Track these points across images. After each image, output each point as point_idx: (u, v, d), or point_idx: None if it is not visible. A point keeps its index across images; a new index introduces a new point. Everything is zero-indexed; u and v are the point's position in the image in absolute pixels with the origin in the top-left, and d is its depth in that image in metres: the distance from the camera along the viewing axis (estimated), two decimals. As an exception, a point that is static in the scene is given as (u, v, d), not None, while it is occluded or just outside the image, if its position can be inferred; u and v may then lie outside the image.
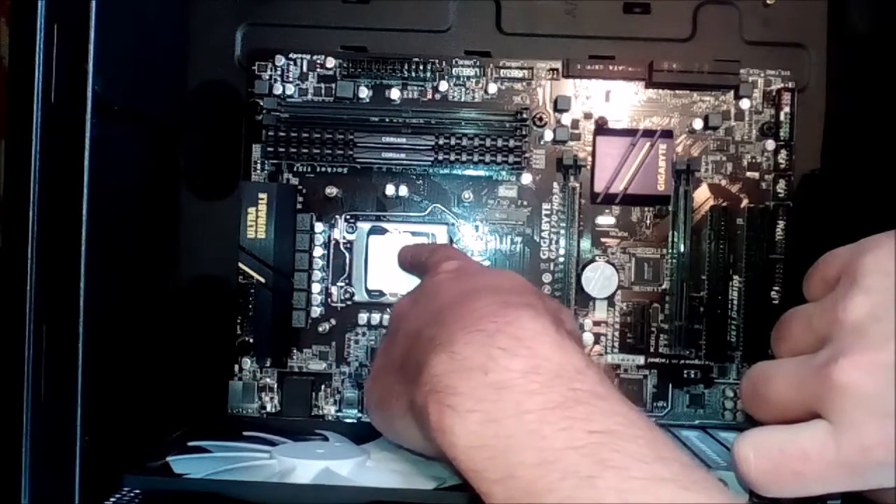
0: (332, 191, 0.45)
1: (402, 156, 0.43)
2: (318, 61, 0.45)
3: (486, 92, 0.45)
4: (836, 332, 0.28)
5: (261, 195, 0.42)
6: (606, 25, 0.46)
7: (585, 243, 0.45)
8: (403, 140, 0.42)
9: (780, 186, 0.44)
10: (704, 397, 0.45)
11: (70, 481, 0.33)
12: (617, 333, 0.45)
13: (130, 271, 0.40)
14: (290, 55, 0.45)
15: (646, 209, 0.45)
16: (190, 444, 0.38)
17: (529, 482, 0.24)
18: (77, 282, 0.34)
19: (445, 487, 0.34)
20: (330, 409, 0.45)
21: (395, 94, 0.44)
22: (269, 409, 0.45)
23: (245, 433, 0.40)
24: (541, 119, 0.45)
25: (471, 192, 0.45)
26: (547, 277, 0.45)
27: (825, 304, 0.30)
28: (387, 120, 0.43)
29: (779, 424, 0.29)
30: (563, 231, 0.45)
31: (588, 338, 0.44)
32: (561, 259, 0.45)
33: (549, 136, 0.45)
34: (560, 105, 0.44)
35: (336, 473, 0.35)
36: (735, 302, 0.44)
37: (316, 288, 0.44)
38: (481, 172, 0.45)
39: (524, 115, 0.43)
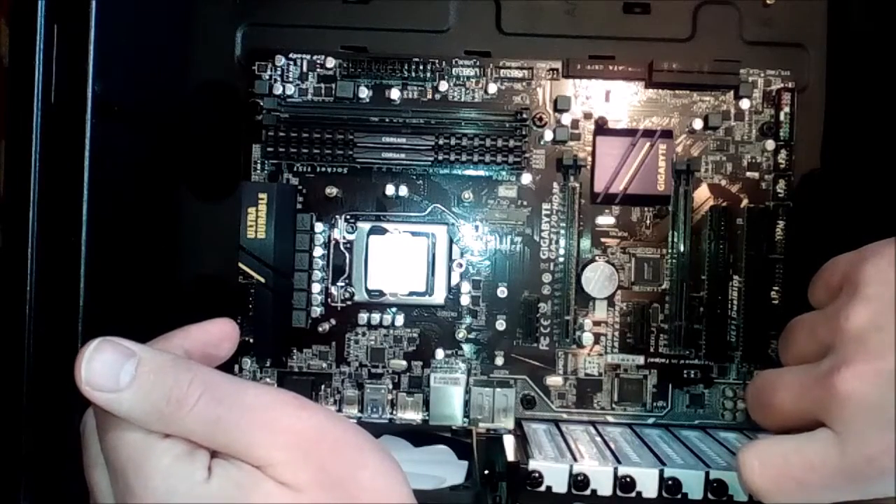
0: (332, 191, 0.45)
1: (402, 156, 0.43)
2: (318, 61, 0.45)
3: (486, 92, 0.45)
4: (838, 341, 0.29)
5: (261, 195, 0.42)
6: (606, 25, 0.46)
7: (585, 243, 0.45)
8: (403, 140, 0.42)
9: (780, 186, 0.44)
10: (704, 397, 0.45)
11: (69, 484, 0.33)
12: (617, 333, 0.45)
13: (130, 271, 0.40)
14: (290, 55, 0.45)
15: (646, 209, 0.45)
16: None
17: None
18: (77, 281, 0.34)
19: (446, 487, 0.34)
20: (330, 410, 0.45)
21: (395, 94, 0.44)
22: (269, 409, 0.45)
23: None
24: (541, 119, 0.45)
25: (471, 192, 0.45)
26: (547, 277, 0.45)
27: (828, 312, 0.30)
28: (387, 120, 0.43)
29: (783, 433, 0.29)
30: (563, 231, 0.45)
31: (588, 338, 0.44)
32: (561, 259, 0.45)
33: (549, 136, 0.45)
34: (560, 105, 0.44)
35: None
36: (735, 302, 0.44)
37: (316, 288, 0.44)
38: (481, 172, 0.45)
39: (524, 115, 0.43)
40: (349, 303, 0.45)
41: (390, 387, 0.45)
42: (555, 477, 0.36)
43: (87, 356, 0.25)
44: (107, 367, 0.25)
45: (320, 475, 0.25)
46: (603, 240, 0.45)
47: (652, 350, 0.45)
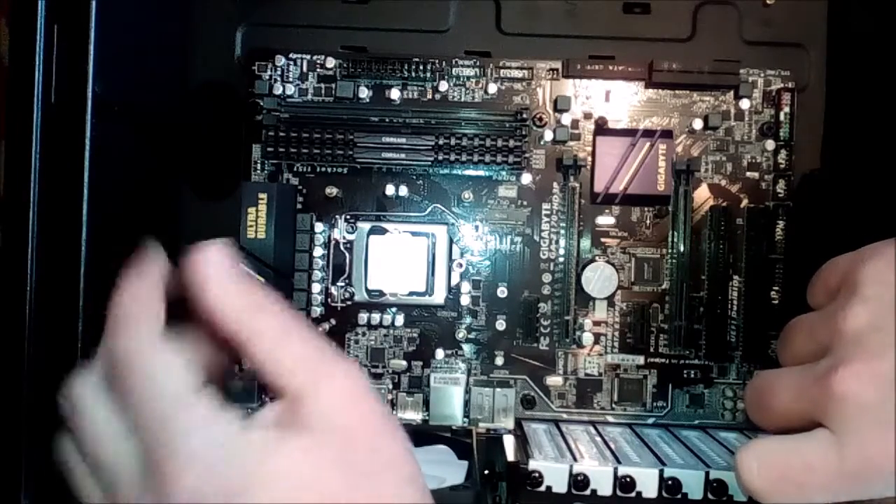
0: (332, 191, 0.45)
1: (402, 156, 0.43)
2: (318, 61, 0.45)
3: (486, 92, 0.45)
4: (836, 342, 0.29)
5: (261, 195, 0.42)
6: (606, 25, 0.46)
7: (585, 243, 0.45)
8: (403, 140, 0.42)
9: (780, 186, 0.44)
10: (704, 397, 0.45)
11: (69, 484, 0.33)
12: (617, 333, 0.45)
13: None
14: (290, 55, 0.45)
15: (646, 209, 0.45)
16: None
17: None
18: (77, 282, 0.34)
19: (446, 487, 0.34)
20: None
21: (395, 94, 0.44)
22: (269, 409, 0.45)
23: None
24: (541, 119, 0.45)
25: (471, 192, 0.45)
26: (547, 277, 0.45)
27: (826, 313, 0.30)
28: (387, 120, 0.43)
29: (782, 434, 0.29)
30: (563, 231, 0.45)
31: (588, 338, 0.44)
32: (561, 259, 0.45)
33: (549, 136, 0.45)
34: (560, 105, 0.44)
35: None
36: (735, 302, 0.44)
37: (316, 288, 0.44)
38: (481, 172, 0.45)
39: (524, 115, 0.43)
40: (349, 303, 0.45)
41: (390, 387, 0.45)
42: (555, 477, 0.36)
43: (207, 250, 0.27)
44: (227, 263, 0.27)
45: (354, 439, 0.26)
46: (603, 240, 0.45)
47: (652, 350, 0.45)
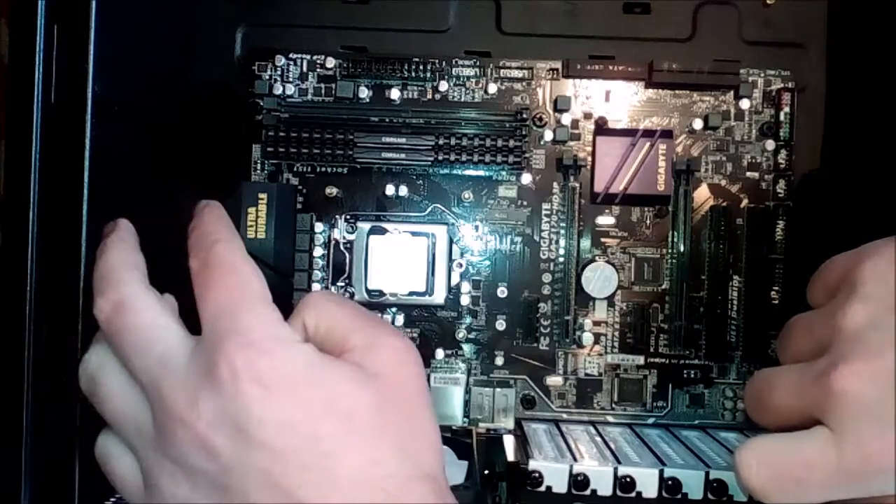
0: (332, 191, 0.45)
1: (402, 156, 0.43)
2: (318, 61, 0.45)
3: (486, 92, 0.45)
4: (836, 340, 0.29)
5: (261, 195, 0.42)
6: (606, 25, 0.46)
7: (585, 243, 0.45)
8: (403, 140, 0.42)
9: (780, 186, 0.44)
10: (704, 397, 0.45)
11: (70, 480, 0.33)
12: (617, 333, 0.45)
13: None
14: (290, 55, 0.45)
15: (646, 209, 0.45)
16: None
17: None
18: (77, 282, 0.34)
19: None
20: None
21: (395, 94, 0.44)
22: (269, 409, 0.44)
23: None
24: (541, 119, 0.45)
25: (471, 192, 0.45)
26: (547, 277, 0.45)
27: (826, 311, 0.30)
28: (387, 120, 0.43)
29: (781, 431, 0.30)
30: (563, 231, 0.45)
31: (588, 338, 0.44)
32: (561, 259, 0.45)
33: (549, 136, 0.45)
34: (560, 105, 0.44)
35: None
36: (735, 302, 0.44)
37: (316, 288, 0.44)
38: (481, 172, 0.45)
39: (524, 115, 0.43)
40: (349, 303, 0.45)
41: (390, 387, 0.45)
42: (555, 477, 0.36)
43: None
44: None
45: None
46: (603, 240, 0.45)
47: (652, 350, 0.45)
